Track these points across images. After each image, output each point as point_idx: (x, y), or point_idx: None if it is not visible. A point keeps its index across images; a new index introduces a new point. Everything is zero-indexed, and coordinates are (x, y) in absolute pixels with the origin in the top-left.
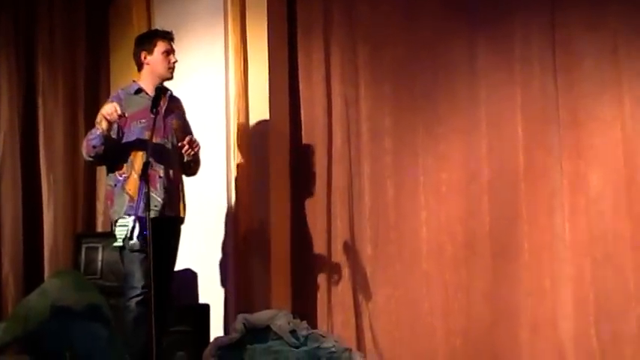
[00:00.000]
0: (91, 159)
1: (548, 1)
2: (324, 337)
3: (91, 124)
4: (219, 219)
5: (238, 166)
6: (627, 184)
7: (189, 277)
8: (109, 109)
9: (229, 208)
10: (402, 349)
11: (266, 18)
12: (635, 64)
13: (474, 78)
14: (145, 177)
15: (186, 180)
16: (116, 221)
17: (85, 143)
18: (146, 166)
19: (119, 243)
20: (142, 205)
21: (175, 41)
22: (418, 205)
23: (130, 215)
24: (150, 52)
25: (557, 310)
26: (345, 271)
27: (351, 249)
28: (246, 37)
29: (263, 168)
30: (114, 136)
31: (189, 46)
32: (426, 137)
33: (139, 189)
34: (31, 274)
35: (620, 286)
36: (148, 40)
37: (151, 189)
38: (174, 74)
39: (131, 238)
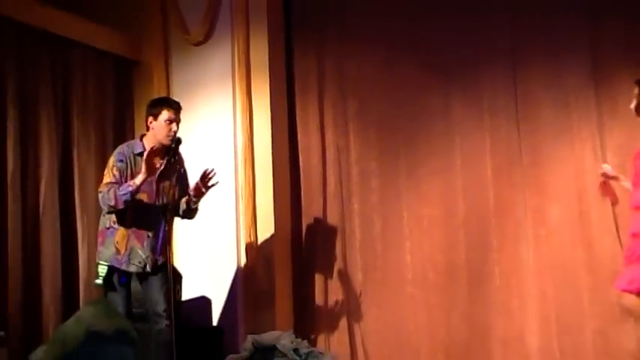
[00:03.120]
0: (114, 210)
1: (510, 61)
2: (322, 354)
3: None
4: (230, 254)
5: (245, 206)
6: (580, 216)
7: (205, 303)
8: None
9: (238, 243)
10: None
11: (268, 78)
12: (583, 114)
13: (449, 126)
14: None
15: (203, 220)
16: (98, 264)
17: (112, 196)
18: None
19: (99, 281)
20: (126, 259)
21: (189, 98)
22: (402, 237)
23: (113, 266)
24: (155, 117)
25: (524, 327)
26: (340, 296)
27: (344, 276)
28: (251, 94)
29: (267, 209)
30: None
31: (202, 103)
32: (408, 178)
33: (126, 244)
34: (68, 303)
35: (577, 306)
36: (156, 106)
37: (138, 245)
38: (187, 131)
39: (108, 282)
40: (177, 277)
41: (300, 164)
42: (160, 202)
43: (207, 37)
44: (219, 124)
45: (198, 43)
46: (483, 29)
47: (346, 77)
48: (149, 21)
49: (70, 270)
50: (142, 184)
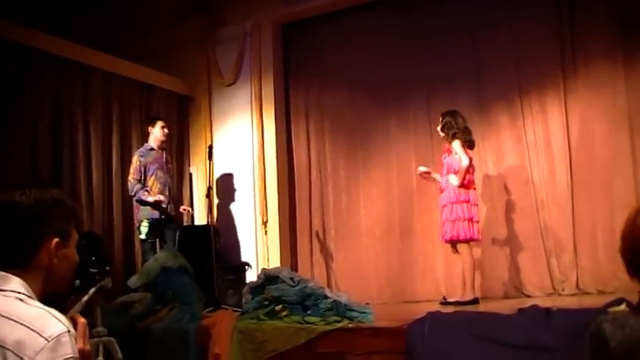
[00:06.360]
0: (132, 196)
1: (425, 97)
2: (308, 280)
3: (180, 166)
4: (251, 219)
5: (259, 189)
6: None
7: (236, 249)
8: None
9: (256, 208)
10: (352, 287)
11: (273, 107)
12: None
13: (388, 137)
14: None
15: (235, 198)
16: (141, 222)
17: (135, 189)
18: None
19: (143, 237)
20: (157, 213)
21: (223, 120)
22: (359, 206)
23: (148, 219)
24: (153, 126)
25: (435, 262)
26: (320, 244)
27: (323, 232)
28: (262, 117)
29: (273, 190)
30: (140, 175)
31: (232, 123)
32: (363, 169)
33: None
34: None
35: None
36: (152, 120)
37: (163, 203)
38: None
39: (150, 235)
40: (217, 233)
41: (294, 161)
42: (167, 174)
43: (234, 80)
44: (242, 137)
45: (229, 85)
46: (409, 78)
47: (323, 106)
48: (198, 70)
49: None
50: (149, 202)
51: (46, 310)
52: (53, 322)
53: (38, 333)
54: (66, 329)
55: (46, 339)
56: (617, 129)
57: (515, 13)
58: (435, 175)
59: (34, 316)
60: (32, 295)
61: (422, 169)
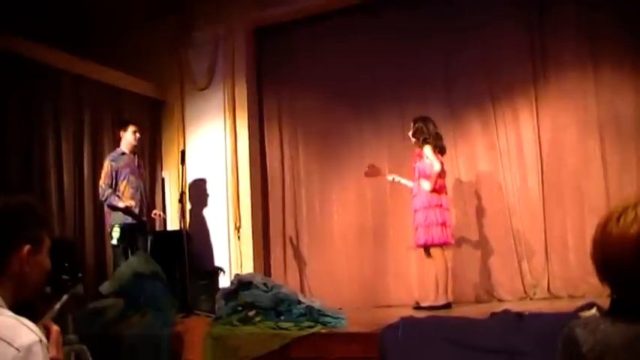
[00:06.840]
0: (103, 201)
1: (398, 104)
2: (282, 286)
3: (152, 171)
4: (223, 224)
5: (232, 194)
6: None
7: (209, 255)
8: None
9: (229, 213)
10: (325, 292)
11: (246, 112)
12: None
13: (361, 142)
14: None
15: (208, 202)
16: (113, 227)
17: (106, 194)
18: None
19: (115, 242)
20: (129, 218)
21: (196, 125)
22: (332, 211)
23: (120, 225)
24: (125, 130)
25: (408, 266)
26: (293, 249)
27: (296, 238)
28: (235, 122)
29: (246, 195)
30: (111, 180)
31: (204, 128)
32: (336, 174)
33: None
34: None
35: None
36: (124, 124)
37: (135, 207)
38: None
39: (122, 241)
40: (189, 239)
41: (267, 167)
42: (140, 179)
43: (207, 85)
44: (215, 141)
45: (202, 89)
46: (382, 83)
47: (296, 112)
48: (171, 75)
49: None
50: (119, 208)
51: (18, 320)
52: (24, 332)
53: (9, 343)
54: (37, 338)
55: (17, 349)
56: (587, 135)
57: (485, 19)
58: (405, 181)
59: (4, 326)
60: (2, 303)
61: (390, 178)
